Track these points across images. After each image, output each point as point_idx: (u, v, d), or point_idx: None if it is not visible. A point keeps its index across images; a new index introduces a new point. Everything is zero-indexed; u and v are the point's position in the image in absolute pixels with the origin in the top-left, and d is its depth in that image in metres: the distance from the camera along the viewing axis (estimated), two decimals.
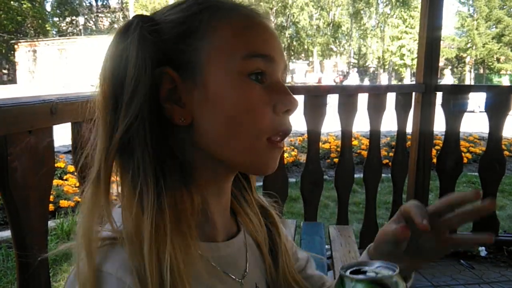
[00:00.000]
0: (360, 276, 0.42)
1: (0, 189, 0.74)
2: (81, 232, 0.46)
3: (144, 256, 0.44)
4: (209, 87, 0.50)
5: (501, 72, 30.89)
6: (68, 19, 40.74)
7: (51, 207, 3.52)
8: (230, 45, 0.50)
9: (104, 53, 0.51)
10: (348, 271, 0.44)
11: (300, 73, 35.55)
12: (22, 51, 32.99)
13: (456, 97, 2.63)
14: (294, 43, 37.18)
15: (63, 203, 3.67)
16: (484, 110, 2.73)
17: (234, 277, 0.56)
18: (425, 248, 0.60)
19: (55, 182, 4.07)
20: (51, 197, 3.65)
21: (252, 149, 0.51)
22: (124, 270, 0.44)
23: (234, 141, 0.50)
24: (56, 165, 4.42)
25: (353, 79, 20.55)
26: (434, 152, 3.11)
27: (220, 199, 0.57)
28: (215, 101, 0.50)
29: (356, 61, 39.15)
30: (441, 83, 3.04)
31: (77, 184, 4.17)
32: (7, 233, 3.14)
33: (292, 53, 37.40)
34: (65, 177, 4.34)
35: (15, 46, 33.30)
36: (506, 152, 5.82)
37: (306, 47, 37.19)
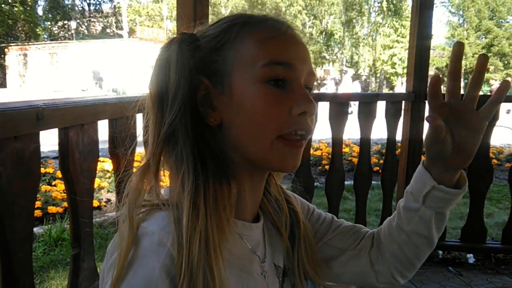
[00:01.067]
0: None
1: None
2: (126, 204, 0.54)
3: (183, 225, 0.51)
4: (234, 92, 0.57)
5: (490, 82, 31.36)
6: (60, 23, 40.53)
7: (39, 213, 3.48)
8: (253, 54, 0.57)
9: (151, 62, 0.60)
10: None
11: None
12: (13, 55, 32.72)
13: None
14: None
15: (51, 209, 3.62)
16: None
17: (259, 256, 0.64)
18: (465, 137, 0.64)
19: (44, 188, 4.02)
20: (39, 203, 3.61)
21: (271, 148, 0.57)
22: (166, 232, 0.51)
23: (255, 140, 0.57)
24: (44, 170, 4.37)
25: (347, 86, 20.65)
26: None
27: (254, 191, 0.64)
28: (239, 105, 0.57)
29: (348, 69, 39.44)
30: None
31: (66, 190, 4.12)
32: None
33: None
34: (53, 183, 4.29)
35: (6, 50, 33.03)
36: (494, 161, 5.90)
37: None
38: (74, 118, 0.92)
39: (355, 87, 19.84)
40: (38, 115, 0.77)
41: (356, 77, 31.69)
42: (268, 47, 0.58)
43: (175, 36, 0.60)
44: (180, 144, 0.56)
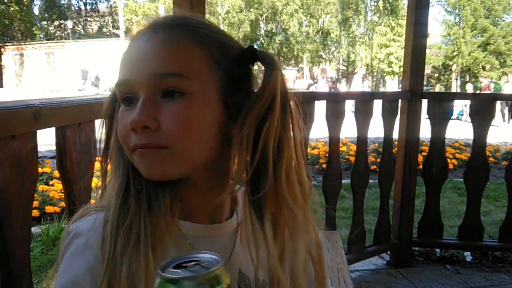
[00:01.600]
0: (174, 276, 0.38)
1: None
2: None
3: (109, 222, 0.53)
4: None
5: (479, 79, 31.47)
6: (56, 23, 40.33)
7: (36, 213, 3.47)
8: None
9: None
10: (171, 265, 0.40)
11: (289, 79, 35.73)
12: (9, 55, 32.56)
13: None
14: (284, 49, 37.39)
15: (49, 208, 3.62)
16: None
17: None
18: None
19: (41, 187, 4.01)
20: (37, 202, 3.60)
21: (134, 161, 0.57)
22: (94, 232, 0.54)
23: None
24: (42, 170, 4.35)
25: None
26: (420, 158, 3.14)
27: (198, 193, 0.62)
28: None
29: (345, 68, 39.49)
30: (428, 91, 3.08)
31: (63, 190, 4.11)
32: None
33: (282, 60, 37.58)
34: (51, 183, 4.28)
35: (2, 50, 32.85)
36: (490, 159, 5.93)
37: (295, 53, 37.43)
38: (71, 117, 0.92)
39: (364, 87, 19.95)
40: (35, 114, 0.77)
41: (351, 76, 31.79)
42: (119, 68, 0.59)
43: None
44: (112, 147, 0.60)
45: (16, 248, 0.78)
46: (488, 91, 14.03)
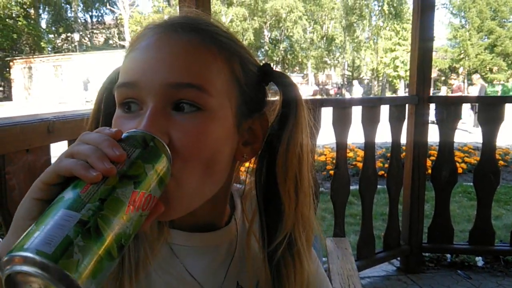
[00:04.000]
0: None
1: None
2: None
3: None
4: None
5: (494, 82, 31.25)
6: (63, 36, 40.96)
7: None
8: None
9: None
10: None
11: None
12: (18, 68, 33.04)
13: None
14: (288, 56, 37.55)
15: None
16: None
17: (191, 274, 0.56)
18: None
19: None
20: None
21: None
22: None
23: None
24: None
25: (357, 91, 20.20)
26: (429, 163, 3.13)
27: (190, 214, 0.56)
28: None
29: (350, 73, 39.49)
30: (435, 95, 3.07)
31: None
32: None
33: (287, 66, 37.67)
34: None
35: (11, 63, 33.37)
36: (500, 162, 5.87)
37: (300, 60, 37.54)
38: (82, 130, 0.93)
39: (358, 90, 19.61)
40: (48, 128, 0.79)
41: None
42: (123, 67, 0.51)
43: None
44: None
45: None
46: (459, 93, 13.73)
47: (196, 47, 0.49)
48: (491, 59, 31.44)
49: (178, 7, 1.90)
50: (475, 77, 12.00)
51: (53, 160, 0.86)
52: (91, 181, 0.37)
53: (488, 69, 32.34)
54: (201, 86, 0.48)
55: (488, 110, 2.67)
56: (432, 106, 2.72)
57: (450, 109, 2.68)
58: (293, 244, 0.57)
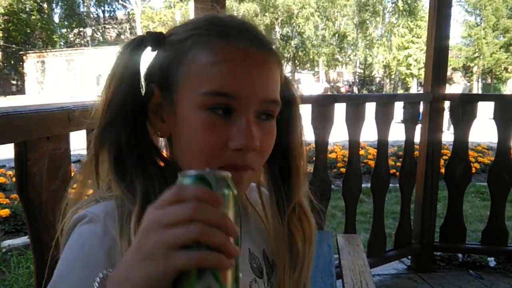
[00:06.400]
0: (189, 172, 0.41)
1: (20, 193, 0.75)
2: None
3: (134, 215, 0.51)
4: (178, 112, 0.56)
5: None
6: (75, 31, 41.34)
7: None
8: (200, 77, 0.54)
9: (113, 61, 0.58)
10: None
11: (305, 83, 35.66)
12: (31, 62, 33.45)
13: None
14: (300, 53, 37.35)
15: None
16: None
17: None
18: None
19: None
20: None
21: None
22: (109, 218, 0.52)
23: (195, 162, 0.55)
24: None
25: None
26: (442, 162, 3.10)
27: None
28: (181, 123, 0.55)
29: (362, 71, 39.19)
30: (449, 92, 3.03)
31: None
32: (17, 241, 3.16)
33: (298, 63, 37.53)
34: (74, 186, 4.37)
35: (24, 57, 33.79)
36: None
37: (311, 57, 37.33)
38: (94, 120, 0.94)
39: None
40: (69, 117, 0.80)
41: (368, 80, 31.39)
42: (214, 73, 0.53)
43: (138, 35, 0.58)
44: (125, 150, 0.55)
45: (49, 241, 0.81)
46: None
47: (273, 64, 0.57)
48: (507, 58, 30.94)
49: (193, 3, 1.90)
50: (457, 75, 11.57)
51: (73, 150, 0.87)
52: (228, 267, 0.37)
53: (503, 68, 31.84)
54: (278, 101, 0.58)
55: (504, 108, 2.63)
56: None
57: (465, 108, 2.64)
58: (301, 206, 0.68)
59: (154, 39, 0.58)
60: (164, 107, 0.57)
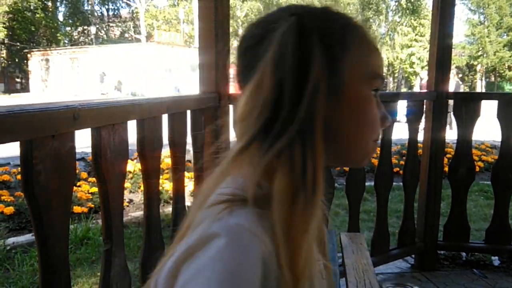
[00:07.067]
0: None
1: (25, 191, 0.76)
2: (202, 197, 0.52)
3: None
4: (347, 93, 0.59)
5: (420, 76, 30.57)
6: (80, 29, 41.44)
7: None
8: (365, 63, 0.61)
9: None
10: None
11: None
12: (35, 60, 33.55)
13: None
14: None
15: (77, 209, 3.71)
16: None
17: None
18: None
19: None
20: None
21: (369, 149, 0.62)
22: (262, 229, 0.46)
23: (357, 141, 0.61)
24: None
25: None
26: (445, 160, 3.09)
27: None
28: (350, 106, 0.59)
29: None
30: (453, 91, 3.01)
31: (90, 190, 4.21)
32: (22, 238, 3.18)
33: None
34: (78, 184, 4.39)
35: (28, 55, 33.90)
36: None
37: None
38: (106, 118, 0.95)
39: None
40: (74, 115, 0.80)
41: None
42: (373, 60, 0.62)
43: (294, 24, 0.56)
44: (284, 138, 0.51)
45: (55, 243, 0.81)
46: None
47: None
48: (510, 56, 30.77)
49: (197, 1, 1.92)
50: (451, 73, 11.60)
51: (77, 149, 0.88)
52: None
53: (506, 67, 31.67)
54: None
55: (508, 106, 2.62)
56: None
57: (469, 106, 2.64)
58: None
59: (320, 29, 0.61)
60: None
